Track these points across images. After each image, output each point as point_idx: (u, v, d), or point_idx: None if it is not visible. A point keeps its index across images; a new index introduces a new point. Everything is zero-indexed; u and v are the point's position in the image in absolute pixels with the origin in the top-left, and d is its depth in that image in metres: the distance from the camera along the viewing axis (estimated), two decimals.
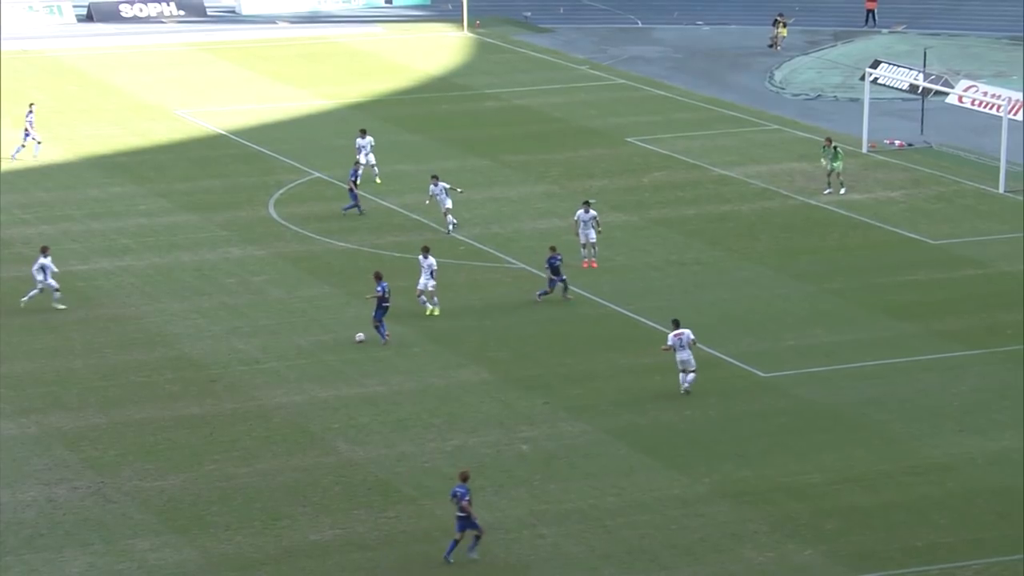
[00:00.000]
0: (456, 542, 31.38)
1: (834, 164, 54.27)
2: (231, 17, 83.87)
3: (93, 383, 39.24)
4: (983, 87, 66.74)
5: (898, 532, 32.46)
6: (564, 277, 44.43)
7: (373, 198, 53.80)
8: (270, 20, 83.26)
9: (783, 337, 41.98)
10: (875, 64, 69.86)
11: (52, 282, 43.32)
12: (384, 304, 41.47)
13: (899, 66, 70.07)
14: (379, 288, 41.34)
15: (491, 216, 51.99)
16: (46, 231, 50.27)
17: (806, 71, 74.33)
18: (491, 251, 48.78)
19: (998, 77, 70.76)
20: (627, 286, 45.57)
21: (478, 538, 31.44)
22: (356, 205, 51.58)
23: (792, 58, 76.40)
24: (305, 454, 35.85)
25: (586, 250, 46.44)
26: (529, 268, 47.48)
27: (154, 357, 40.58)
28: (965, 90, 66.80)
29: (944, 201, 54.14)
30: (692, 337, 38.16)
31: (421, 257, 43.47)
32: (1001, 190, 54.89)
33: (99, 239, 49.73)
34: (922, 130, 62.24)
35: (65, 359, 40.45)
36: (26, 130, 56.67)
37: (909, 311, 43.93)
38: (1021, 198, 54.29)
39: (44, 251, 43.74)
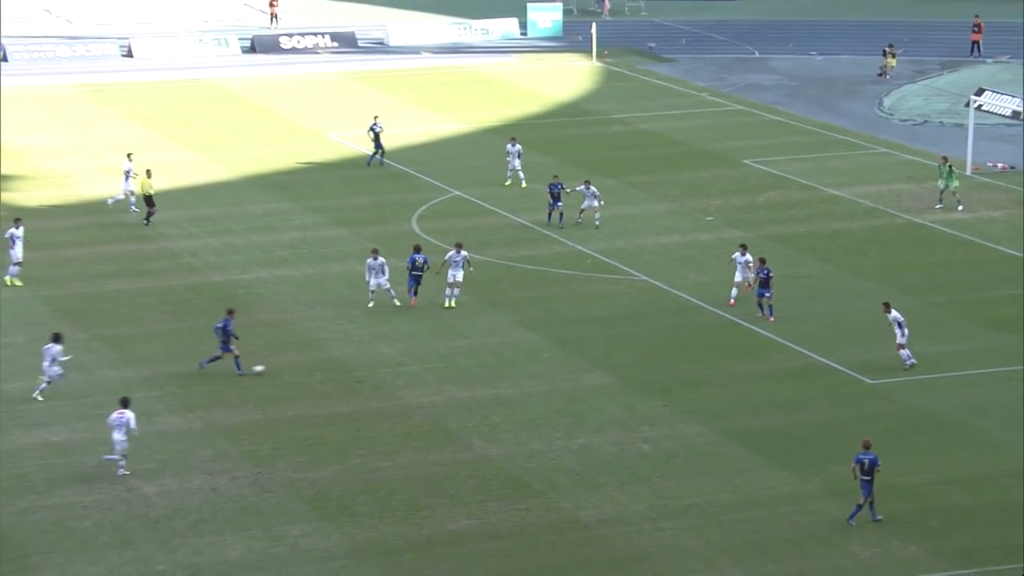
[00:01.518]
0: (860, 506, 31.52)
1: (950, 183, 53.50)
2: (380, 48, 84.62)
3: (251, 383, 39.74)
4: None
5: (997, 531, 31.83)
6: (560, 203, 46.26)
7: (508, 215, 53.94)
8: (415, 51, 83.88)
9: (889, 347, 41.37)
10: (979, 92, 68.56)
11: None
12: (415, 273, 43.59)
13: (1002, 94, 68.63)
14: (411, 259, 43.55)
15: (616, 232, 51.88)
16: (211, 243, 51.05)
17: (913, 98, 73.25)
18: (616, 264, 48.67)
19: None
20: (742, 299, 45.16)
21: (865, 505, 31.54)
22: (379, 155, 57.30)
23: (900, 86, 75.32)
24: (443, 450, 36.01)
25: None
26: (652, 280, 47.31)
27: (306, 359, 41.01)
28: None
29: (953, 217, 53.04)
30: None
31: (454, 252, 43.94)
32: None
33: (258, 251, 50.39)
34: None
35: (226, 360, 41.01)
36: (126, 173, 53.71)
37: (1010, 324, 43.06)
38: None
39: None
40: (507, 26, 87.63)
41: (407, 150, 63.12)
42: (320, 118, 68.16)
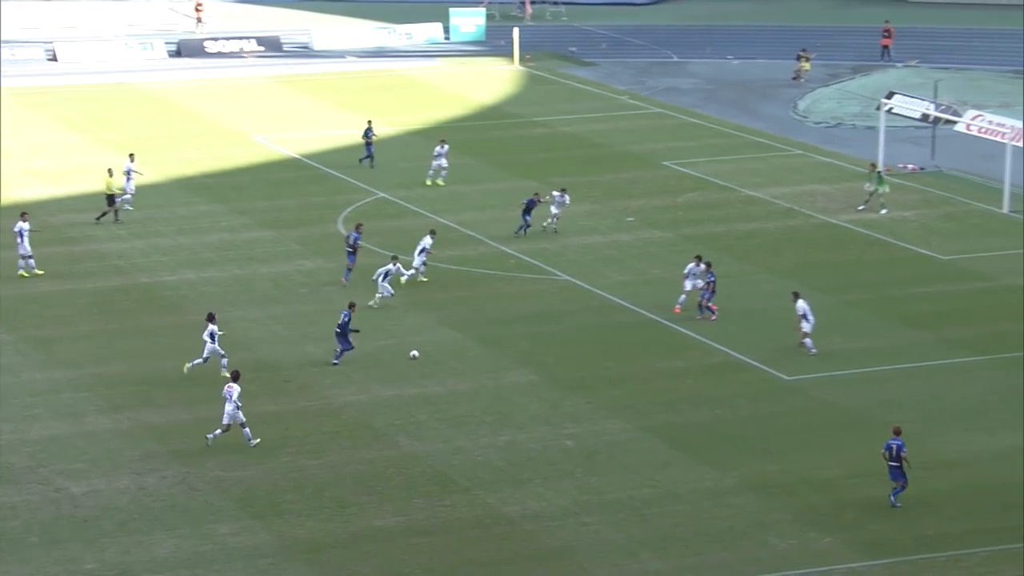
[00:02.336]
0: (900, 487, 32.22)
1: (879, 187, 54.04)
2: (304, 52, 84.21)
3: (180, 383, 39.42)
4: (989, 116, 66.11)
5: (911, 522, 32.22)
6: (529, 217, 47.49)
7: (433, 216, 53.88)
8: (340, 55, 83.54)
9: (805, 345, 41.72)
10: (890, 95, 69.33)
11: (218, 348, 39.29)
12: (348, 250, 45.06)
13: (912, 97, 69.50)
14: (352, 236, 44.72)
15: (539, 233, 51.96)
16: (138, 245, 50.58)
17: (827, 101, 73.96)
18: (539, 264, 48.77)
19: (1003, 107, 70.14)
20: (662, 297, 45.44)
21: (904, 487, 32.28)
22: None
23: (814, 89, 76.01)
24: (370, 448, 35.91)
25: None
26: (575, 280, 47.44)
27: (234, 360, 40.73)
28: (972, 119, 66.21)
29: (954, 220, 53.73)
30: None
31: (429, 237, 45.39)
32: (1006, 210, 54.43)
33: (185, 253, 49.99)
34: (933, 155, 61.81)
35: (154, 361, 40.67)
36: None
37: (922, 321, 43.62)
38: (1023, 218, 53.90)
39: (211, 318, 39.47)
40: (431, 31, 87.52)
41: (332, 153, 62.87)
42: (246, 121, 67.72)
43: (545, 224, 50.97)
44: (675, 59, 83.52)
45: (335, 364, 40.05)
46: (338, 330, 40.18)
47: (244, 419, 35.48)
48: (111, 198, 51.86)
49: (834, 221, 53.45)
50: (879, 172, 54.44)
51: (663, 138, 65.67)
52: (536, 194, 51.26)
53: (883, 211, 53.76)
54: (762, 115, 70.78)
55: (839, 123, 69.55)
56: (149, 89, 74.37)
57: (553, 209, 51.33)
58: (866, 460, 34.82)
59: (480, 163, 60.55)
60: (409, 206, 55.09)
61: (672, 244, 50.56)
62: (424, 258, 46.18)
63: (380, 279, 44.01)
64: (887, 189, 54.02)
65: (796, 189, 57.60)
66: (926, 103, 67.33)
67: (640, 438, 36.30)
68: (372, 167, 59.03)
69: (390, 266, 44.45)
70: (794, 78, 77.97)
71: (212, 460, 35.14)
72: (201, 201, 55.89)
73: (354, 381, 39.52)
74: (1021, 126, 63.67)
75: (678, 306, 43.94)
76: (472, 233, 52.05)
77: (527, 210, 50.53)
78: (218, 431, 35.56)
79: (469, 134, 65.56)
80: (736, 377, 39.68)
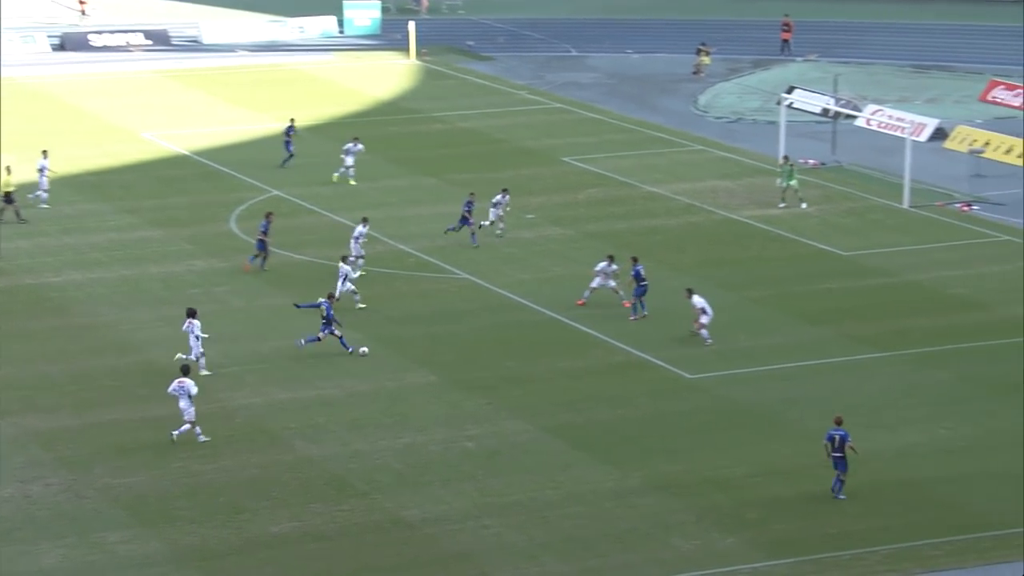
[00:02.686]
0: (840, 480, 32.65)
1: (790, 182, 54.58)
2: (194, 46, 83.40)
3: (66, 387, 38.86)
4: (888, 111, 67.28)
5: (814, 520, 32.61)
6: (471, 222, 47.36)
7: (328, 214, 53.61)
8: (230, 49, 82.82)
9: (707, 341, 42.09)
10: (790, 90, 70.23)
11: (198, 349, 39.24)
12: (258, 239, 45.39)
13: (812, 92, 70.46)
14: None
15: (438, 231, 51.93)
16: (22, 246, 49.79)
17: (727, 96, 74.68)
18: (438, 263, 48.73)
19: (902, 102, 71.33)
20: (563, 295, 45.60)
21: (843, 482, 32.59)
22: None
23: (714, 84, 76.73)
24: (265, 452, 35.65)
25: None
26: (474, 278, 47.46)
27: (124, 363, 40.24)
28: (872, 114, 67.31)
29: (854, 216, 54.49)
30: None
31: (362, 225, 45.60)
32: (905, 205, 55.31)
33: (71, 253, 49.28)
34: (833, 150, 62.63)
35: (40, 365, 40.06)
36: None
37: (823, 317, 44.19)
38: (924, 213, 54.73)
39: (191, 314, 39.26)
40: (324, 24, 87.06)
41: (223, 149, 62.33)
42: (133, 117, 66.92)
43: (483, 224, 50.19)
44: (574, 53, 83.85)
45: (301, 346, 40.43)
46: (323, 321, 40.38)
47: (194, 417, 35.50)
48: (8, 196, 51.15)
49: (735, 217, 53.97)
50: (791, 166, 55.04)
51: (563, 134, 65.91)
52: (472, 194, 50.53)
53: (803, 205, 54.38)
54: (662, 110, 71.29)
55: (739, 118, 70.25)
56: (31, 84, 73.21)
57: (493, 213, 50.38)
58: (769, 458, 35.19)
59: (377, 160, 60.37)
60: (304, 204, 54.80)
61: (573, 241, 50.73)
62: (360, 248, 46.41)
63: (342, 283, 43.51)
64: (795, 184, 54.59)
65: (697, 185, 58.09)
66: (826, 98, 68.24)
67: (542, 439, 36.39)
68: (283, 166, 58.46)
69: (341, 266, 43.93)
70: (694, 73, 78.61)
71: (100, 466, 34.68)
72: (87, 200, 55.14)
73: (248, 383, 39.21)
74: (920, 120, 64.85)
75: (582, 299, 44.15)
76: (370, 232, 51.83)
77: (467, 217, 49.38)
78: (185, 427, 35.50)
79: (365, 130, 65.31)
80: (638, 376, 39.93)
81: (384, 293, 46.02)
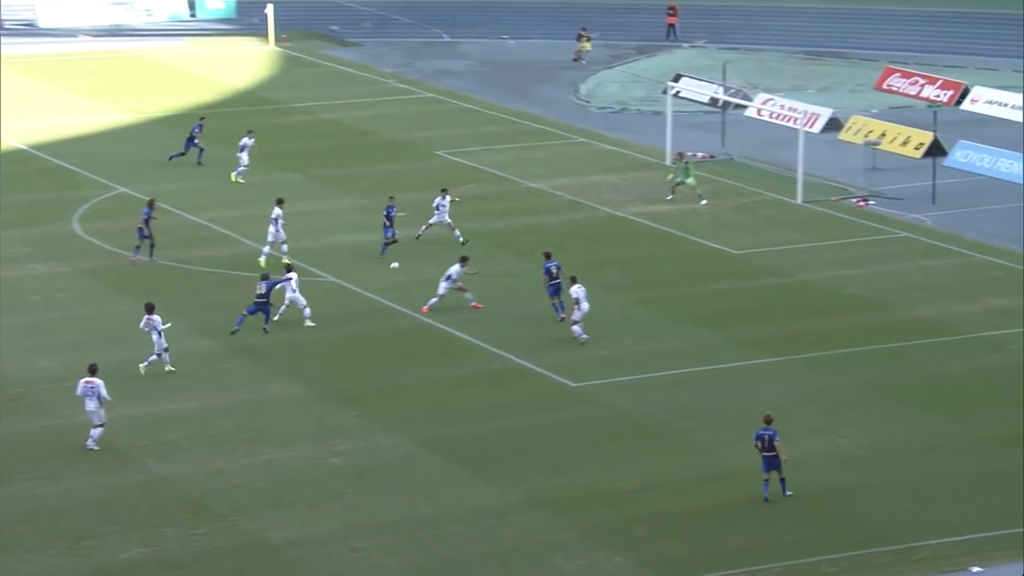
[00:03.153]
0: (767, 481, 33.40)
1: (686, 180, 54.85)
2: (29, 30, 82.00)
3: None
4: (780, 100, 68.13)
5: (705, 537, 32.90)
6: (394, 232, 47.15)
7: (181, 213, 53.06)
8: (70, 33, 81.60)
9: (593, 347, 42.35)
10: (677, 78, 70.82)
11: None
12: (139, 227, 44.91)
13: (700, 80, 71.14)
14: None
15: (301, 230, 51.62)
16: None
17: (611, 85, 75.15)
18: (302, 265, 48.39)
19: (795, 91, 72.27)
20: (445, 299, 45.51)
21: (784, 480, 33.45)
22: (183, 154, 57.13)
23: (597, 72, 77.16)
24: (113, 472, 35.14)
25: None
26: (341, 282, 47.23)
27: None
28: (763, 103, 68.12)
29: (745, 212, 55.11)
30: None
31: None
32: (799, 201, 56.06)
33: None
34: (723, 142, 63.31)
35: None
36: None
37: (714, 320, 44.62)
38: (819, 209, 55.52)
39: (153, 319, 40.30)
40: (173, 6, 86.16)
41: (64, 143, 61.41)
42: None
43: (421, 231, 49.86)
44: (446, 39, 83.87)
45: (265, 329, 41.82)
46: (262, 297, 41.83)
47: (104, 419, 35.73)
48: None
49: (621, 214, 54.33)
50: (686, 164, 55.45)
51: (435, 125, 65.88)
52: (392, 199, 49.90)
53: (703, 202, 54.78)
54: (541, 100, 71.55)
55: (624, 108, 70.72)
56: None
57: (435, 218, 50.05)
58: (658, 471, 35.44)
59: (233, 155, 59.89)
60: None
61: (448, 241, 50.69)
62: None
63: (293, 296, 43.48)
64: (692, 182, 54.98)
65: (580, 180, 58.39)
66: (715, 86, 68.94)
67: (416, 454, 36.31)
68: (201, 163, 57.66)
69: (290, 276, 43.73)
70: (575, 60, 79.01)
71: None
72: None
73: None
74: (813, 110, 65.77)
75: (426, 307, 44.08)
76: (226, 231, 51.38)
77: (389, 222, 48.94)
78: (99, 430, 35.69)
79: (220, 122, 64.75)
80: (518, 385, 40.01)
81: (242, 299, 45.62)
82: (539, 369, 40.99)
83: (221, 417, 37.89)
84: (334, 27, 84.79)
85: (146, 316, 39.98)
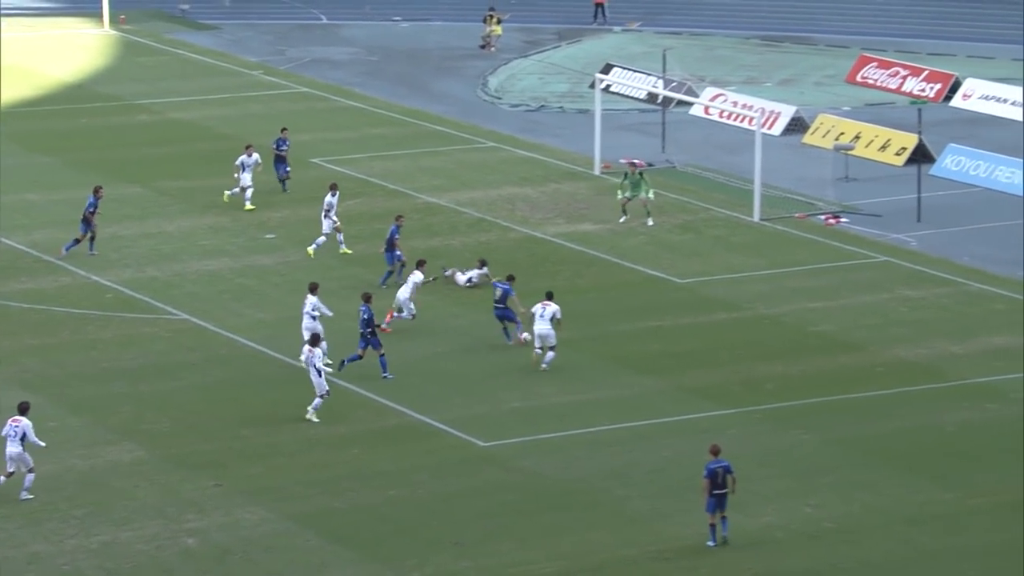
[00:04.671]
0: (715, 526, 34.70)
1: (646, 193, 54.82)
2: None
3: None
4: (732, 96, 68.81)
5: None
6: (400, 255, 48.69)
7: None
8: None
9: (506, 398, 42.46)
10: (607, 69, 71.35)
11: None
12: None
13: (635, 71, 71.70)
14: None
15: (146, 256, 51.40)
16: None
17: (526, 77, 75.50)
18: (146, 300, 48.21)
19: (749, 84, 72.99)
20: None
21: (726, 518, 34.80)
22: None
23: (509, 61, 77.50)
24: None
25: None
26: (196, 319, 47.10)
27: None
28: (712, 99, 68.77)
29: (691, 232, 55.53)
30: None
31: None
32: (756, 218, 56.56)
33: None
34: (663, 147, 63.76)
35: None
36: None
37: (654, 364, 44.87)
38: (780, 228, 56.04)
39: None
40: None
41: None
42: None
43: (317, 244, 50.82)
44: (324, 21, 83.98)
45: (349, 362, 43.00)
46: (364, 330, 42.89)
47: (32, 464, 36.82)
48: None
49: (539, 235, 54.58)
50: (641, 173, 55.64)
51: (311, 127, 65.88)
52: (398, 219, 50.11)
53: (649, 222, 55.04)
54: (441, 95, 71.73)
55: (542, 106, 71.08)
56: None
57: (327, 224, 51.43)
58: (588, 550, 35.58)
59: (57, 163, 59.69)
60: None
61: (329, 268, 50.70)
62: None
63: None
64: (652, 196, 55.13)
65: (489, 193, 58.58)
66: (653, 79, 69.49)
67: (289, 531, 36.25)
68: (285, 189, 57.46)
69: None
70: (482, 46, 79.33)
71: None
72: None
73: None
74: (772, 108, 66.43)
75: (386, 324, 44.68)
76: (48, 258, 51.09)
77: (390, 245, 49.27)
78: (31, 476, 36.54)
79: (41, 123, 64.50)
80: (417, 445, 40.03)
81: (72, 341, 45.38)
82: (441, 426, 41.04)
83: (44, 489, 37.61)
84: (185, 6, 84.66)
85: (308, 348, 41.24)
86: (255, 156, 56.34)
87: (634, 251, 53.13)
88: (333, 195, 52.17)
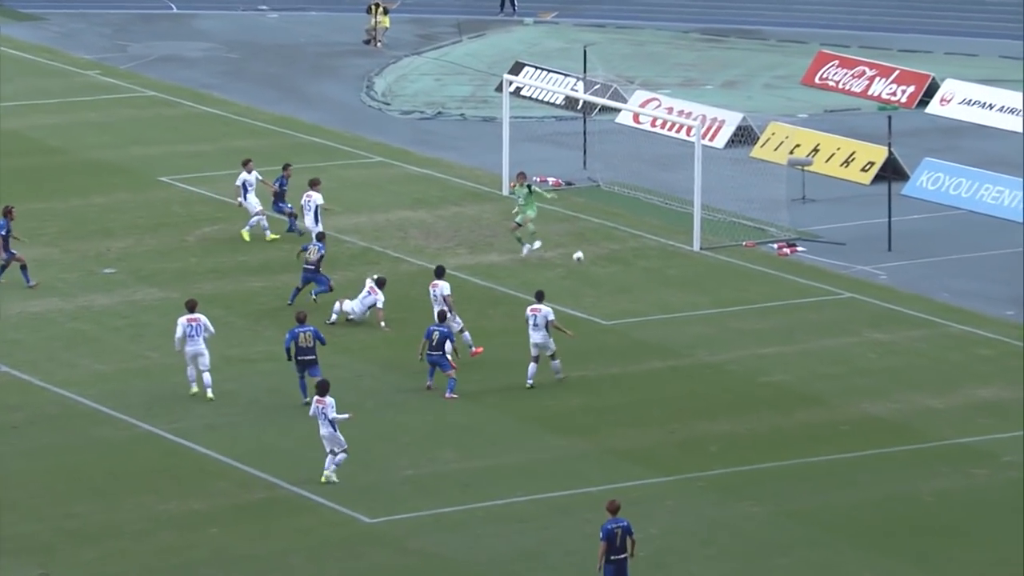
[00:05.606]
0: None
1: (527, 211, 54.92)
2: None
3: None
4: (667, 101, 69.06)
5: None
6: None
7: None
8: None
9: (397, 464, 42.43)
10: (516, 68, 71.51)
11: None
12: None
13: (550, 71, 71.88)
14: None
15: None
16: None
17: (420, 78, 75.55)
18: None
19: (687, 87, 73.31)
20: (168, 396, 45.31)
21: None
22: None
23: (399, 59, 77.52)
24: None
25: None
26: (18, 373, 46.83)
27: None
28: (642, 105, 69.02)
29: (619, 263, 55.68)
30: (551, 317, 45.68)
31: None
32: (696, 247, 56.78)
33: None
34: (585, 163, 63.93)
35: None
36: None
37: (574, 423, 44.93)
38: (724, 259, 56.27)
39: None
40: None
41: None
42: None
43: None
44: (174, 10, 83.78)
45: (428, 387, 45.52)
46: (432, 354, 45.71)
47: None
48: None
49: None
50: (529, 186, 55.66)
51: (159, 139, 65.72)
52: (286, 168, 51.27)
53: (527, 248, 55.14)
54: (319, 100, 71.71)
55: (439, 112, 71.14)
56: None
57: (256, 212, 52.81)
58: None
59: None
60: None
61: (180, 309, 50.54)
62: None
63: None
64: (532, 213, 55.24)
65: (376, 218, 58.58)
66: (572, 80, 69.67)
67: None
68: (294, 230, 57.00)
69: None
70: (367, 41, 79.38)
71: None
72: None
73: None
74: (715, 115, 66.68)
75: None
76: None
77: (279, 197, 50.25)
78: None
79: None
80: (290, 522, 39.90)
81: None
82: (319, 499, 40.95)
83: None
84: None
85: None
86: (255, 173, 56.30)
87: (550, 286, 53.10)
88: (249, 172, 53.08)
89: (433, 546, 39.23)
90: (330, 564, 38.52)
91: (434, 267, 49.77)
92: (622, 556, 35.36)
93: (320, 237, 52.08)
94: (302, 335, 45.11)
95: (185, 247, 55.82)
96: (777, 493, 41.62)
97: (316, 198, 54.48)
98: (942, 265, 56.14)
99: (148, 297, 51.60)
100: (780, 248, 57.14)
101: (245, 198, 56.27)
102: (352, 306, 49.73)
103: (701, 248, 56.69)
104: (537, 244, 55.59)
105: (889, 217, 57.41)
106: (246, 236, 56.22)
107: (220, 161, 63.34)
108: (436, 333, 45.98)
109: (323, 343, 45.27)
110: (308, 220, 54.51)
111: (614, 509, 35.75)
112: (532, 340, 46.33)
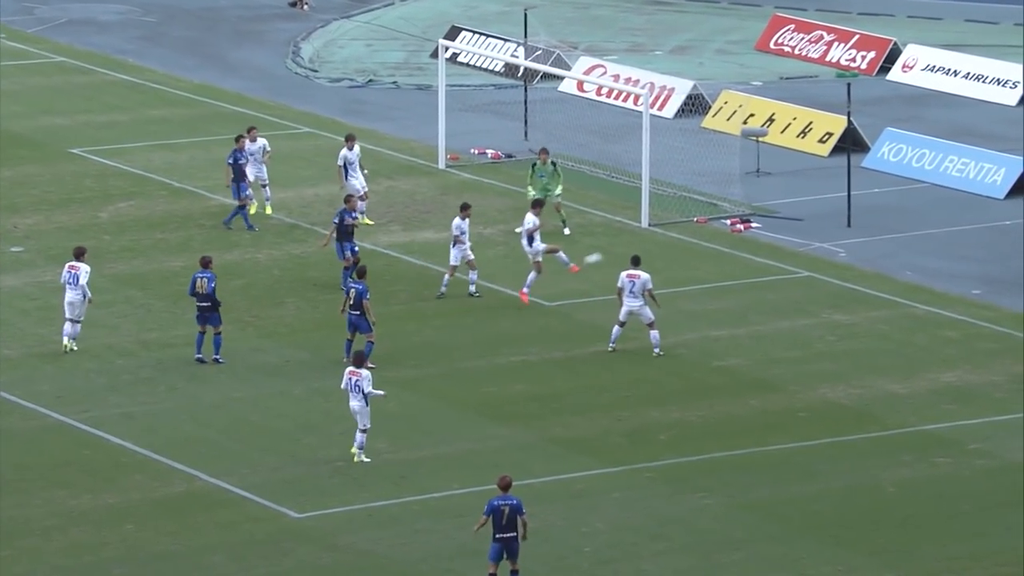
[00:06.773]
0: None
1: (555, 191, 54.97)
2: None
3: None
4: (613, 68, 69.14)
5: None
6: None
7: None
8: None
9: (324, 455, 42.38)
10: (453, 33, 71.46)
11: None
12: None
13: (488, 36, 71.85)
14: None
15: None
16: None
17: (350, 44, 75.45)
18: None
19: (634, 52, 73.40)
20: (80, 383, 45.23)
21: (517, 572, 36.06)
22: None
23: (327, 23, 77.42)
24: None
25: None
26: None
27: None
28: (587, 72, 69.05)
29: (563, 242, 55.67)
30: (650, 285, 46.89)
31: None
32: (644, 223, 56.87)
33: None
34: (526, 133, 63.94)
35: None
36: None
37: (515, 410, 44.99)
38: (674, 235, 56.36)
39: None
40: None
41: None
42: None
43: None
44: None
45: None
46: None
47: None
48: None
49: (368, 246, 54.46)
50: (555, 162, 55.64)
51: (71, 108, 65.55)
52: (239, 140, 51.05)
53: (566, 230, 55.36)
54: (240, 67, 71.56)
55: (371, 80, 71.09)
56: None
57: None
58: None
59: None
60: None
61: (97, 290, 50.42)
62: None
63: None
64: (560, 192, 55.36)
65: (303, 192, 58.60)
66: (512, 46, 69.66)
67: None
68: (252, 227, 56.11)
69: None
70: (292, 4, 79.29)
71: None
72: None
73: None
74: (663, 83, 66.76)
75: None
76: None
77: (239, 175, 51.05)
78: None
79: None
80: (211, 517, 39.84)
81: None
82: (243, 492, 40.90)
83: None
84: None
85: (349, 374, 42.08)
86: (356, 149, 55.63)
87: (490, 265, 53.18)
88: (351, 149, 54.34)
89: (365, 542, 39.24)
90: (254, 562, 38.47)
91: (371, 246, 49.59)
92: (510, 535, 35.69)
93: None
94: (198, 280, 45.78)
95: (98, 224, 55.65)
96: (731, 484, 41.73)
97: None
98: (905, 242, 56.34)
99: (58, 278, 51.29)
100: (733, 224, 57.27)
101: (347, 178, 55.42)
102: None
103: (650, 224, 56.81)
104: (567, 231, 55.48)
105: (848, 191, 57.60)
106: (269, 210, 55.93)
107: (135, 132, 63.20)
108: (352, 291, 45.84)
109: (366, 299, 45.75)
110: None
111: (504, 485, 36.18)
112: (627, 307, 47.24)
